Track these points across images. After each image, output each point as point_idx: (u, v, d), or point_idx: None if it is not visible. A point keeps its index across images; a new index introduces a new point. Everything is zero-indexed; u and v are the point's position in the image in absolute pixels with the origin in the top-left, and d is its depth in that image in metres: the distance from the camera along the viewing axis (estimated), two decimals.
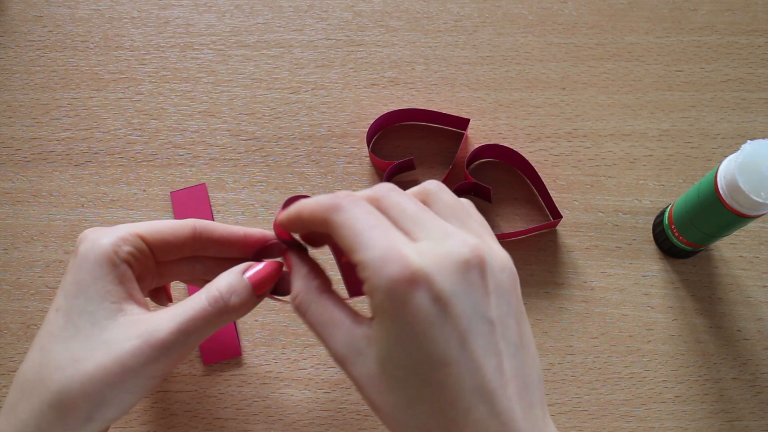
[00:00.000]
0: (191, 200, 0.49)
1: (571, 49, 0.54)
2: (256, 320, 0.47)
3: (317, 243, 0.35)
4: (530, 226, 0.49)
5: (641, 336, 0.47)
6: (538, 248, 0.49)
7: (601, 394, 0.46)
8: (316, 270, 0.33)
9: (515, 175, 0.51)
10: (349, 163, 0.51)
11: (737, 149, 0.51)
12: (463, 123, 0.50)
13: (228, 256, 0.37)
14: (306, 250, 0.35)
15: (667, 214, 0.47)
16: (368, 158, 0.51)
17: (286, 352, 0.46)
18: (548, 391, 0.46)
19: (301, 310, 0.31)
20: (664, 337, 0.47)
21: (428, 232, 0.28)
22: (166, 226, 0.35)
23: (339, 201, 0.28)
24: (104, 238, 0.32)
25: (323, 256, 0.46)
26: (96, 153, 0.51)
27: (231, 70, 0.53)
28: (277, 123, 0.52)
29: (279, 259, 0.35)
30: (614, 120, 0.52)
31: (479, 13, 0.55)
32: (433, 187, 0.31)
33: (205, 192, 0.49)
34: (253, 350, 0.46)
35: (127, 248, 0.33)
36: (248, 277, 0.33)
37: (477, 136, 0.52)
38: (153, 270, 0.36)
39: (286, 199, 0.38)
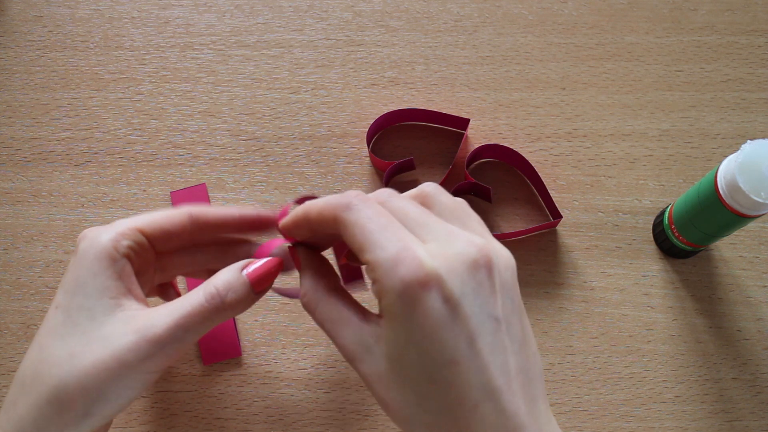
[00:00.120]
0: (191, 200, 0.49)
1: (571, 49, 0.54)
2: (256, 320, 0.47)
3: (319, 247, 0.35)
4: (530, 226, 0.49)
5: (641, 336, 0.47)
6: (538, 248, 0.49)
7: (601, 394, 0.46)
8: (324, 267, 0.33)
9: (515, 175, 0.51)
10: (349, 163, 0.51)
11: (737, 149, 0.51)
12: (463, 123, 0.50)
13: (227, 238, 0.37)
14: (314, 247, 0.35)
15: (667, 214, 0.47)
16: (368, 158, 0.51)
17: (286, 352, 0.46)
18: (548, 391, 0.46)
19: (310, 308, 0.31)
20: (664, 337, 0.47)
21: (434, 235, 0.28)
22: (162, 215, 0.35)
23: (350, 200, 0.29)
24: (103, 234, 0.33)
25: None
26: (96, 153, 0.51)
27: (231, 70, 0.53)
28: (277, 123, 0.52)
29: (283, 247, 0.35)
30: (614, 120, 0.52)
31: (479, 13, 0.55)
32: (431, 189, 0.32)
33: (205, 192, 0.49)
34: (253, 350, 0.46)
35: (126, 242, 0.33)
36: (247, 274, 0.33)
37: (477, 136, 0.52)
38: (153, 263, 0.36)
39: (295, 199, 0.38)
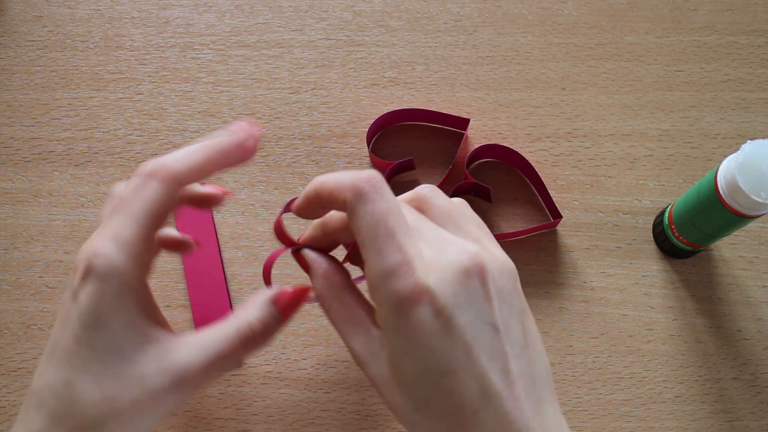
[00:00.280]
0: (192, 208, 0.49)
1: (571, 49, 0.54)
2: None
3: (324, 250, 0.34)
4: (530, 226, 0.49)
5: (641, 336, 0.47)
6: (538, 248, 0.49)
7: (601, 394, 0.46)
8: (334, 266, 0.33)
9: (515, 175, 0.51)
10: (349, 163, 0.51)
11: (737, 149, 0.51)
12: (463, 123, 0.50)
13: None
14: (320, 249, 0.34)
15: (667, 214, 0.47)
16: (368, 158, 0.51)
17: (286, 352, 0.46)
18: None
19: (324, 308, 0.32)
20: (664, 337, 0.47)
21: (427, 242, 0.28)
22: (153, 202, 0.31)
23: (363, 187, 0.28)
24: (117, 260, 0.29)
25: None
26: (96, 153, 0.51)
27: (231, 70, 0.53)
28: (277, 123, 0.52)
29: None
30: (614, 120, 0.52)
31: (479, 13, 0.55)
32: (427, 192, 0.31)
33: None
34: None
35: (142, 265, 0.31)
36: (278, 307, 0.33)
37: (477, 136, 0.52)
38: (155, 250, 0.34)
39: (287, 201, 0.37)
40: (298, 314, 0.47)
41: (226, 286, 0.47)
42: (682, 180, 0.51)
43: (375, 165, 0.50)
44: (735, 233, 0.49)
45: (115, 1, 0.55)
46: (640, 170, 0.51)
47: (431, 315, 0.27)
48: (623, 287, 0.48)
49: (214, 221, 0.49)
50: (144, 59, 0.53)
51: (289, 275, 0.48)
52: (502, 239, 0.49)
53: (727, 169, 0.39)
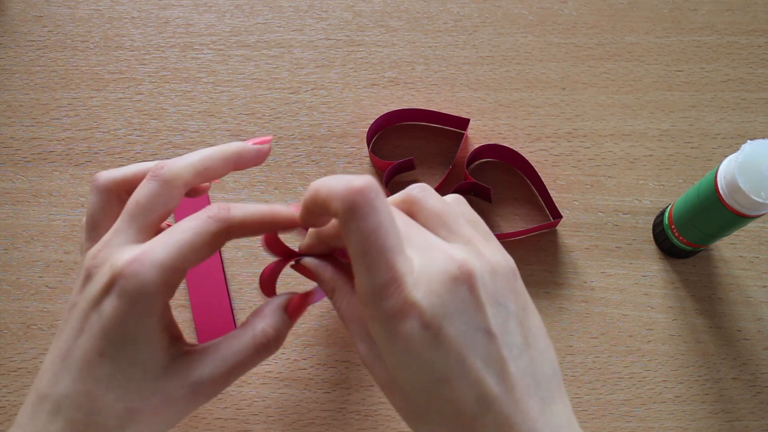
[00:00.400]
0: (191, 200, 0.49)
1: (571, 49, 0.54)
2: None
3: (324, 255, 0.34)
4: (530, 226, 0.49)
5: (641, 336, 0.47)
6: (538, 248, 0.49)
7: (601, 394, 0.46)
8: (339, 267, 0.33)
9: (515, 175, 0.51)
10: (349, 163, 0.51)
11: (737, 149, 0.51)
12: (463, 123, 0.50)
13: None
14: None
15: (667, 214, 0.47)
16: (368, 158, 0.51)
17: (286, 352, 0.46)
18: None
19: (336, 306, 0.32)
20: (664, 337, 0.47)
21: (416, 249, 0.28)
22: (193, 234, 0.30)
23: (353, 200, 0.27)
24: (152, 286, 0.29)
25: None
26: (96, 153, 0.51)
27: (231, 70, 0.53)
28: (277, 123, 0.52)
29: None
30: (614, 120, 0.52)
31: (479, 13, 0.55)
32: (417, 192, 0.31)
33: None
34: None
35: (172, 291, 0.31)
36: (288, 312, 0.34)
37: (477, 136, 0.52)
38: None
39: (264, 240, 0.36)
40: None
41: (226, 287, 0.47)
42: (682, 180, 0.51)
43: (375, 165, 0.50)
44: (735, 233, 0.49)
45: (115, 1, 0.55)
46: (640, 170, 0.51)
47: (419, 328, 0.27)
48: (623, 287, 0.48)
49: None
50: (144, 59, 0.53)
51: (288, 275, 0.48)
52: (502, 239, 0.49)
53: (727, 169, 0.39)
